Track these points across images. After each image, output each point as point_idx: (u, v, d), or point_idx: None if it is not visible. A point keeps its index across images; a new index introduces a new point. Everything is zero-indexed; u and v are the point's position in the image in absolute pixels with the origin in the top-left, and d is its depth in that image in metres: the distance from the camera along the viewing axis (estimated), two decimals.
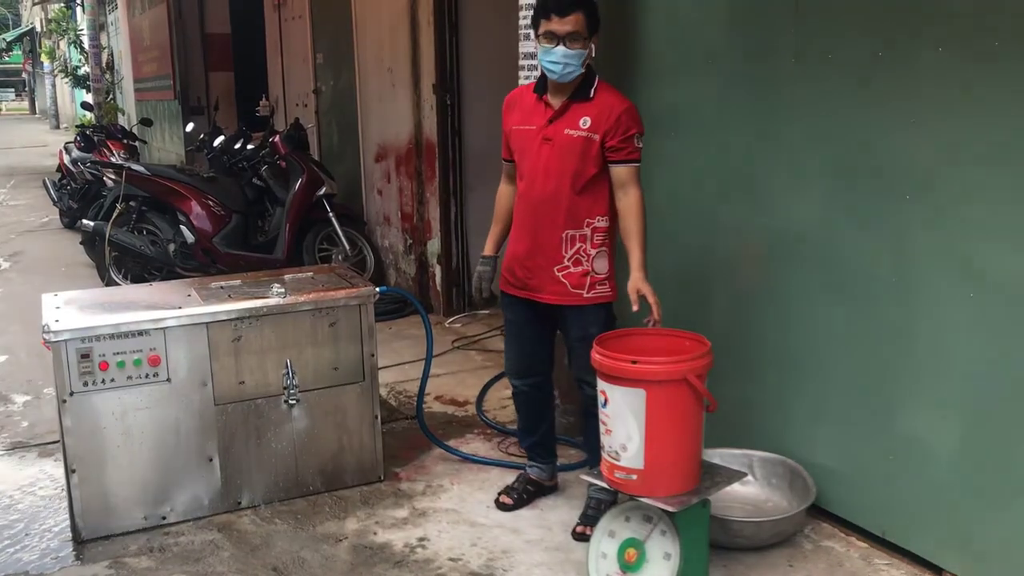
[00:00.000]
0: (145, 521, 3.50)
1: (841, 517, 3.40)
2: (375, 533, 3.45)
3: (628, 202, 3.19)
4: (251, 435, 3.62)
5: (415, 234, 6.71)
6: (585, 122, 3.20)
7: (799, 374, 3.51)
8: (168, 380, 3.45)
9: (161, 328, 3.42)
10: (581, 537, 3.28)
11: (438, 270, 6.50)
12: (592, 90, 3.23)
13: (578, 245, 3.26)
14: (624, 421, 2.79)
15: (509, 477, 3.84)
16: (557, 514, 3.57)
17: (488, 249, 3.55)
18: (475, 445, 4.23)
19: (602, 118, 3.19)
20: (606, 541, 2.95)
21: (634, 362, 2.75)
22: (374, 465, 3.87)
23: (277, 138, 7.19)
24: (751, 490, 3.56)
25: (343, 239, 6.98)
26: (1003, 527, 2.88)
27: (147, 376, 3.42)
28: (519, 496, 3.61)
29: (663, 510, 2.80)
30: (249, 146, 7.71)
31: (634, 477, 2.82)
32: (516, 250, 3.36)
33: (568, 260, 3.27)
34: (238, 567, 3.24)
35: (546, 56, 3.15)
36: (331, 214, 6.96)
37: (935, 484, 3.07)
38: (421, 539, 3.41)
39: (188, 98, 12.75)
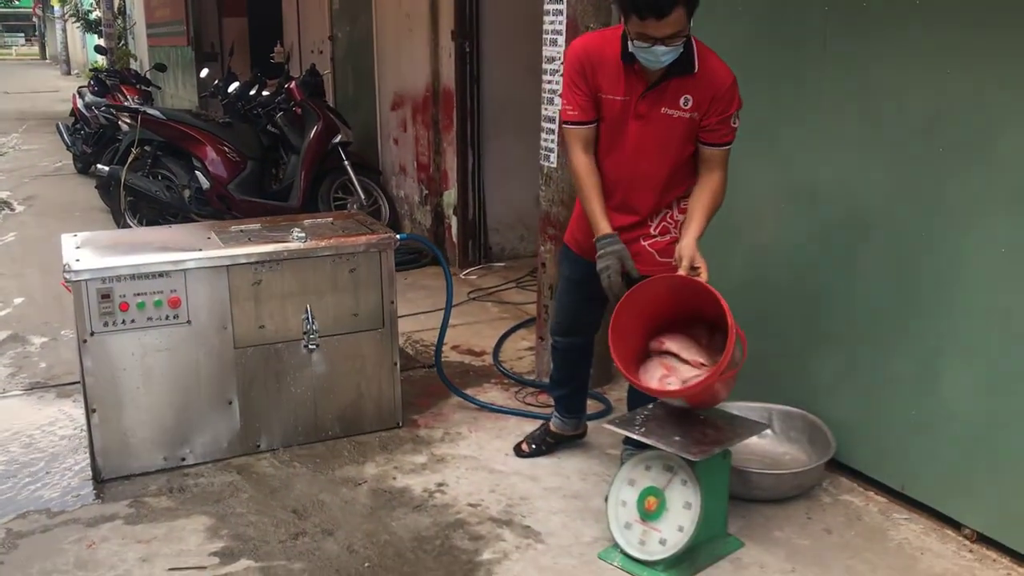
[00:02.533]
0: (165, 462, 3.51)
1: (859, 472, 3.40)
2: (394, 478, 3.47)
3: (711, 182, 2.97)
4: (270, 379, 3.63)
5: (431, 184, 6.67)
6: (687, 101, 2.88)
7: (822, 328, 3.49)
8: (188, 322, 3.44)
9: (182, 270, 3.40)
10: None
11: (454, 221, 6.47)
12: (695, 61, 2.85)
13: (664, 212, 3.09)
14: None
15: (527, 426, 3.85)
16: (574, 463, 3.57)
17: (603, 227, 2.99)
18: (492, 394, 4.23)
19: (706, 96, 2.86)
20: (626, 489, 2.95)
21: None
22: (392, 411, 3.87)
23: (293, 84, 7.13)
24: (769, 443, 3.56)
25: (358, 188, 6.95)
26: None
27: (167, 318, 3.41)
28: (538, 445, 3.62)
29: (685, 459, 2.80)
30: (264, 93, 7.66)
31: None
32: None
33: (655, 230, 3.09)
34: (257, 508, 3.25)
35: (641, 52, 2.76)
36: (346, 162, 6.92)
37: (956, 440, 3.05)
38: (440, 484, 3.42)
39: (201, 44, 12.65)
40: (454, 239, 6.48)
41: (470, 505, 3.27)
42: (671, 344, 2.97)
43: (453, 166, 6.37)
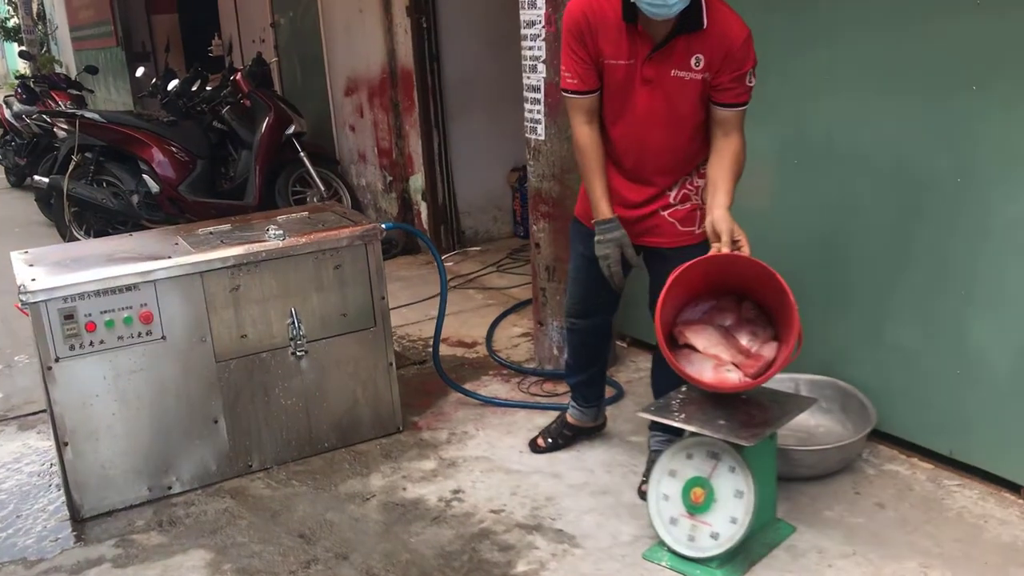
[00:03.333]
0: (150, 493, 3.19)
1: (900, 438, 3.20)
2: (404, 488, 3.18)
3: (729, 146, 2.69)
4: (258, 392, 3.32)
5: (395, 170, 6.35)
6: (698, 61, 2.61)
7: (849, 290, 3.27)
8: (163, 338, 3.12)
9: (151, 281, 3.08)
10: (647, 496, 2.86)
11: (423, 207, 6.16)
12: (704, 16, 2.57)
13: (683, 179, 2.82)
14: None
15: (537, 419, 3.59)
16: (596, 455, 3.32)
17: (604, 210, 2.79)
18: (493, 387, 3.96)
19: (718, 53, 2.59)
20: (667, 482, 2.70)
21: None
22: (392, 415, 3.58)
23: (239, 75, 6.75)
24: (801, 416, 3.32)
25: (317, 180, 6.60)
26: None
27: (139, 335, 3.08)
28: (555, 439, 3.36)
29: (733, 444, 2.56)
30: (207, 88, 7.26)
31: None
32: (611, 190, 2.84)
33: (675, 198, 2.83)
34: (260, 536, 2.96)
35: (647, 1, 2.50)
36: (302, 154, 6.56)
37: (1004, 395, 2.86)
38: (456, 491, 3.14)
39: (132, 44, 12.11)
40: (424, 225, 6.17)
41: (493, 512, 3.01)
42: (694, 338, 2.70)
43: (418, 149, 6.06)
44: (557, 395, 3.81)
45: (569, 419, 3.36)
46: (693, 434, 2.65)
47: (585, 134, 2.80)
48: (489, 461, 3.33)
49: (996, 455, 2.93)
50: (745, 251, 2.58)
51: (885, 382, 3.20)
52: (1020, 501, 2.86)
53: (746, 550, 2.64)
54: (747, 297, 2.78)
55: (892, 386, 3.18)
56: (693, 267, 2.57)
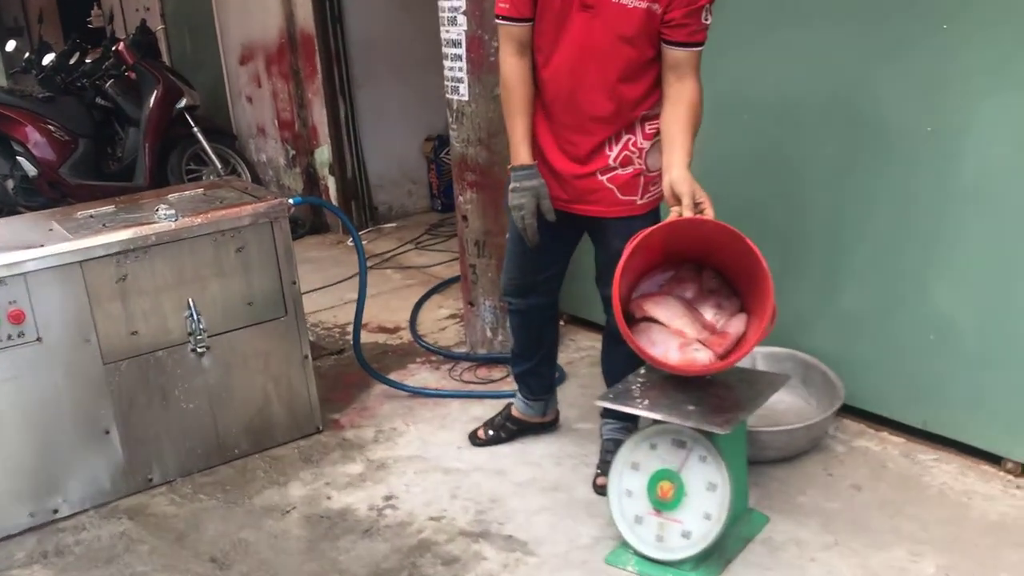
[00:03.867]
0: (32, 519, 2.76)
1: (868, 411, 2.97)
2: (328, 497, 2.82)
3: (684, 93, 2.37)
4: (154, 396, 2.90)
5: (298, 143, 5.89)
6: None
7: (805, 253, 3.02)
8: (38, 339, 2.68)
9: (20, 274, 2.63)
10: (604, 490, 2.55)
11: (331, 182, 5.73)
12: None
13: (626, 138, 2.48)
14: None
15: (474, 408, 3.27)
16: (542, 447, 3.01)
17: (522, 154, 2.49)
18: (422, 376, 3.61)
19: None
20: (629, 476, 2.40)
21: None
22: (309, 414, 3.20)
23: (121, 45, 6.15)
24: None
25: (213, 156, 6.07)
26: None
27: (9, 338, 2.64)
28: (497, 431, 3.04)
29: (704, 432, 2.27)
30: (87, 60, 6.65)
31: None
32: (542, 152, 2.54)
33: (615, 160, 2.48)
34: (164, 562, 2.56)
35: None
36: (195, 129, 6.03)
37: (977, 362, 2.65)
38: (388, 498, 2.79)
39: (2, 18, 11.22)
40: (333, 202, 5.74)
41: (432, 519, 2.67)
42: (655, 310, 2.40)
43: (323, 119, 5.61)
44: (493, 381, 3.49)
45: (514, 412, 3.04)
46: (657, 422, 2.35)
47: (512, 66, 2.48)
48: (423, 460, 2.99)
49: (972, 425, 2.73)
50: (709, 214, 2.28)
51: (848, 351, 2.96)
52: (1002, 473, 2.66)
53: (720, 547, 2.37)
54: (706, 266, 2.49)
55: (856, 355, 2.95)
56: (653, 234, 2.26)
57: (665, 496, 2.34)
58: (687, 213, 2.26)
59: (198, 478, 2.97)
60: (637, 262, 2.32)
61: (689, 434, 2.32)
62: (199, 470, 2.99)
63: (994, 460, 2.69)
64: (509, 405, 3.06)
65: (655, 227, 2.26)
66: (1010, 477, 2.63)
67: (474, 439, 3.04)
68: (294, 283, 3.10)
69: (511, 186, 2.51)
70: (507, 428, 3.03)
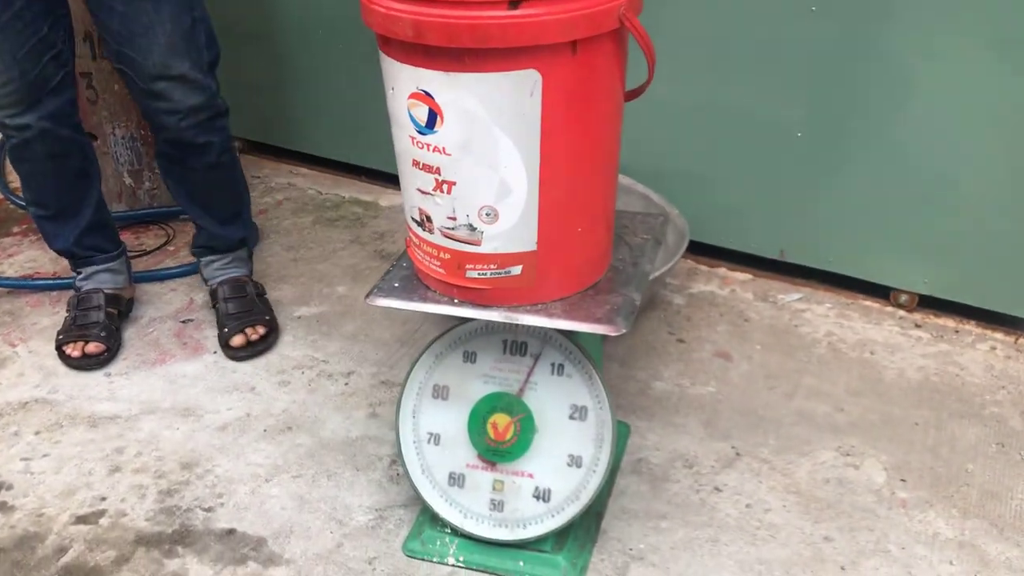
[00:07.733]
0: None
1: (701, 242, 2.17)
2: None
3: None
4: None
5: None
6: None
7: None
8: None
9: None
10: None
11: None
12: None
13: None
14: (489, 155, 1.16)
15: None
16: (159, 332, 1.93)
17: None
18: (30, 256, 2.31)
19: None
20: (431, 410, 1.41)
21: (514, 4, 1.09)
22: None
23: None
24: None
25: None
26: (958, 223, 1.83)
27: None
28: (108, 332, 1.90)
29: (569, 333, 1.32)
30: None
31: (517, 270, 1.26)
32: None
33: None
34: None
35: None
36: None
37: (850, 181, 1.93)
38: None
39: None
40: None
41: (81, 521, 1.52)
42: None
43: None
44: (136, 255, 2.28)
45: (101, 288, 1.96)
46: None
47: None
48: (50, 406, 1.79)
49: (845, 250, 2.01)
50: None
51: (666, 167, 2.12)
52: (893, 309, 2.00)
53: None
54: None
55: (678, 171, 2.12)
56: None
57: (501, 437, 1.39)
58: None
59: None
60: None
61: (535, 332, 1.36)
62: None
63: (879, 293, 2.02)
64: (79, 289, 1.98)
65: None
66: (905, 314, 1.98)
67: (85, 360, 1.87)
68: None
69: None
70: (110, 314, 1.94)
